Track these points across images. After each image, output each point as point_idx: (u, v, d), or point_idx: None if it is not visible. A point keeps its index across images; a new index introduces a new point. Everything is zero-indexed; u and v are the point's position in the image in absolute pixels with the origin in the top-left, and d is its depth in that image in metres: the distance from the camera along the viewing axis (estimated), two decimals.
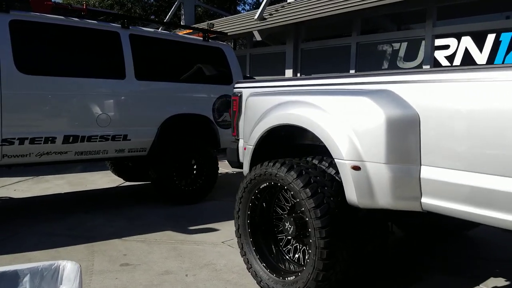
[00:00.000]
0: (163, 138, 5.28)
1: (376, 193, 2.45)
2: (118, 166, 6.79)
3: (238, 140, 3.85)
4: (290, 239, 3.08)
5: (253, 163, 3.33)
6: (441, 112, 2.23)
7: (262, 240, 3.22)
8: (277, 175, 2.80)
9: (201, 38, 5.75)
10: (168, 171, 5.35)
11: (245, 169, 3.40)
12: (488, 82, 2.08)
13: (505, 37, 7.36)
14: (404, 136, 2.35)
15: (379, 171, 2.41)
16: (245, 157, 3.38)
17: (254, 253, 3.16)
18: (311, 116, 2.71)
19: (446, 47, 7.48)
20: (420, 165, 2.34)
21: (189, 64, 5.65)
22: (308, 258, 2.69)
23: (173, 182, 5.42)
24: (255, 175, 3.02)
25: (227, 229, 4.48)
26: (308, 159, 3.02)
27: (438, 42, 7.29)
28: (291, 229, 2.90)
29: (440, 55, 7.40)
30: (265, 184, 3.02)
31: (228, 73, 5.92)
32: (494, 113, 2.04)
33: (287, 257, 3.15)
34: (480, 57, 7.32)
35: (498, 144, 2.02)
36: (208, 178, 5.71)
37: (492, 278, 3.34)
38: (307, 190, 2.62)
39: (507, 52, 7.40)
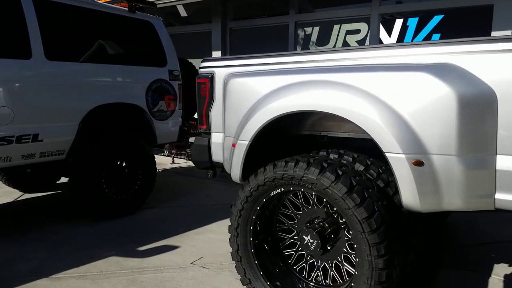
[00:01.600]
0: (85, 135, 4.18)
1: (444, 193, 2.00)
2: (12, 174, 5.37)
3: (210, 134, 3.09)
4: (303, 254, 2.51)
5: (246, 163, 2.64)
6: None
7: (269, 262, 2.58)
8: (304, 178, 2.18)
9: (127, 9, 4.70)
10: (94, 177, 4.28)
11: (236, 172, 2.68)
12: None
13: (411, 22, 7.68)
14: (480, 119, 1.93)
15: (449, 165, 1.96)
16: (235, 156, 2.67)
17: (262, 279, 2.51)
18: (349, 100, 2.13)
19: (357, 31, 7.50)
20: (496, 154, 1.95)
21: (115, 41, 4.57)
22: (354, 280, 2.14)
23: (102, 190, 4.37)
24: (266, 179, 2.35)
25: (189, 245, 3.71)
26: (332, 155, 2.46)
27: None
28: (314, 244, 2.32)
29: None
30: (278, 191, 2.37)
31: (161, 52, 4.97)
32: None
33: (301, 276, 2.57)
34: (389, 41, 7.47)
35: None
36: (145, 182, 4.77)
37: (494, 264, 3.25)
38: (354, 196, 2.06)
39: (414, 37, 7.74)
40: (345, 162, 2.34)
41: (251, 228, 2.52)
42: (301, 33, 7.05)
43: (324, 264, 2.49)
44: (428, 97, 1.96)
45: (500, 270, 3.15)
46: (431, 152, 1.98)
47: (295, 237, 2.59)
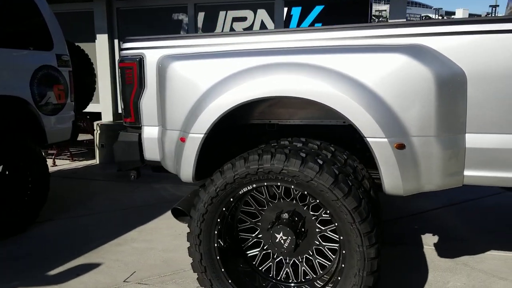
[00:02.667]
0: None
1: (423, 175, 2.03)
2: None
3: (140, 128, 2.67)
4: (269, 253, 2.35)
5: (201, 160, 2.33)
6: (491, 69, 1.96)
7: (234, 267, 2.34)
8: (284, 171, 1.99)
9: None
10: None
11: (187, 170, 2.35)
12: None
13: (295, 11, 8.04)
14: (454, 99, 1.99)
15: (428, 147, 1.99)
16: (185, 152, 2.33)
17: (231, 286, 2.26)
18: (328, 85, 1.99)
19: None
20: (465, 133, 2.05)
21: None
22: (340, 274, 2.05)
23: None
24: (237, 176, 2.08)
25: (112, 260, 3.21)
26: (296, 144, 2.30)
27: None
28: (288, 240, 2.17)
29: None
30: (248, 188, 2.14)
31: (45, 33, 4.15)
32: None
33: (268, 277, 2.40)
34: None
35: None
36: (36, 190, 3.97)
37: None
38: (342, 186, 1.95)
39: (298, 25, 8.12)
40: (316, 151, 2.21)
41: (216, 232, 2.23)
42: (201, 16, 6.69)
43: (294, 260, 2.36)
44: (408, 79, 1.95)
45: (428, 240, 3.45)
46: (411, 134, 1.98)
47: (259, 236, 2.40)
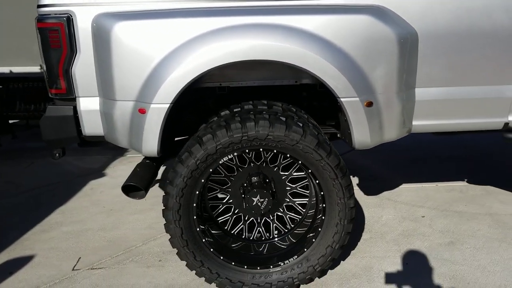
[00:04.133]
0: None
1: (385, 128, 2.27)
2: None
3: (74, 99, 2.35)
4: (241, 217, 2.41)
5: (166, 132, 2.20)
6: (438, 29, 2.22)
7: (210, 235, 2.34)
8: (270, 137, 2.01)
9: None
10: None
11: (151, 143, 2.19)
12: None
13: None
14: (410, 58, 2.22)
15: (391, 103, 2.22)
16: (147, 124, 2.15)
17: (215, 256, 2.27)
18: (302, 47, 2.02)
19: None
20: (415, 87, 2.33)
21: None
22: (323, 225, 2.21)
23: None
24: (219, 147, 2.03)
25: (45, 249, 2.90)
26: (260, 107, 2.31)
27: None
28: (265, 202, 2.26)
29: None
30: (229, 157, 2.10)
31: None
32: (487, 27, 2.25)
33: (240, 238, 2.47)
34: None
35: (493, 56, 2.29)
36: None
37: None
38: (324, 146, 2.07)
39: None
40: (288, 113, 2.25)
41: (194, 205, 2.17)
42: None
43: (265, 219, 2.46)
44: (374, 39, 2.09)
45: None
46: (378, 92, 2.16)
47: (229, 201, 2.41)
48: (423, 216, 3.12)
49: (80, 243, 2.94)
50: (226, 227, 2.44)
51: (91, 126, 2.38)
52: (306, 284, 2.33)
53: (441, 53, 2.25)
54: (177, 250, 2.24)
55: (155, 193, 3.61)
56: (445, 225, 2.98)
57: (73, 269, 2.63)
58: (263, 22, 2.03)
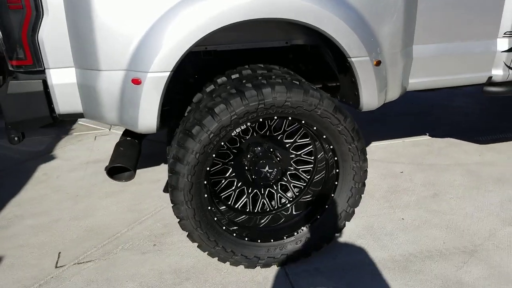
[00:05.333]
0: None
1: (389, 88, 2.25)
2: None
3: (43, 72, 2.00)
4: (244, 190, 2.28)
5: (165, 104, 1.96)
6: None
7: (220, 213, 2.20)
8: (287, 103, 1.88)
9: None
10: None
11: (149, 118, 1.94)
12: None
13: None
14: (411, 15, 2.19)
15: (396, 61, 2.19)
16: (144, 97, 1.89)
17: (228, 234, 2.13)
18: (316, 3, 1.88)
19: None
20: (413, 45, 2.32)
21: None
22: (336, 191, 2.17)
23: None
24: (234, 117, 1.85)
25: (15, 247, 2.53)
26: (260, 72, 2.14)
27: None
28: (273, 172, 2.15)
29: None
30: (242, 128, 1.94)
31: None
32: None
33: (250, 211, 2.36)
34: None
35: (479, 12, 2.34)
36: None
37: None
38: (342, 110, 1.99)
39: None
40: (290, 76, 2.12)
41: (205, 183, 1.99)
42: None
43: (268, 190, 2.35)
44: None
45: None
46: (385, 50, 2.11)
47: (232, 175, 2.26)
48: (402, 172, 3.24)
49: (54, 237, 2.61)
50: (229, 202, 2.29)
51: (67, 102, 2.06)
52: (318, 250, 2.30)
53: (436, 8, 2.25)
54: (187, 233, 2.06)
55: None
56: (424, 178, 3.12)
57: (56, 266, 2.33)
58: None
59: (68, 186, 3.26)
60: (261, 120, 1.94)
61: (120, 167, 2.26)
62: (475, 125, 4.17)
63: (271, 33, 2.27)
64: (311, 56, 2.53)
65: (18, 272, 2.29)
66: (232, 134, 1.93)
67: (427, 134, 3.96)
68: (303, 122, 1.99)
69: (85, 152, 3.88)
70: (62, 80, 1.99)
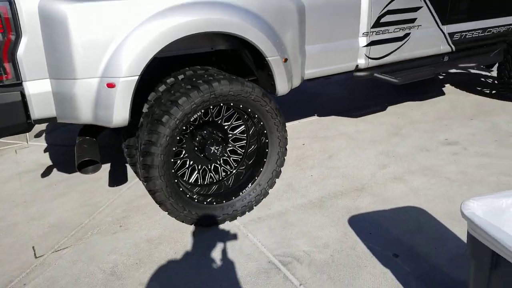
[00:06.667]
0: None
1: (294, 77, 3.08)
2: None
3: (19, 85, 2.36)
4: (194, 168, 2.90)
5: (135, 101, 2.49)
6: (316, 1, 3.10)
7: (182, 185, 2.78)
8: (231, 92, 2.56)
9: None
10: None
11: (122, 114, 2.43)
12: None
13: None
14: (303, 23, 3.03)
15: (296, 57, 3.03)
16: (118, 97, 2.38)
17: (191, 199, 2.73)
18: (240, 18, 2.59)
19: None
20: (305, 45, 3.19)
21: None
22: (267, 156, 2.91)
23: None
24: (193, 105, 2.45)
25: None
26: (200, 72, 2.79)
27: None
28: (219, 149, 2.82)
29: None
30: (197, 114, 2.56)
31: None
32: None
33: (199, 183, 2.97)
34: None
35: (345, 19, 3.32)
36: None
37: None
38: (267, 94, 2.74)
39: None
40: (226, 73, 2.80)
41: (172, 160, 2.56)
42: None
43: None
44: (284, 11, 2.82)
45: None
46: (289, 50, 2.92)
47: (185, 155, 2.85)
48: (303, 144, 4.15)
49: (20, 237, 2.86)
50: (185, 178, 2.88)
51: (42, 109, 2.43)
52: (257, 204, 3.02)
53: (318, 18, 3.15)
54: (160, 203, 2.59)
55: (59, 177, 3.61)
56: (320, 146, 4.08)
57: (36, 257, 2.64)
58: (215, 0, 2.50)
59: (11, 195, 3.42)
60: (211, 107, 2.58)
61: (86, 161, 2.67)
62: (348, 105, 5.35)
63: (200, 41, 2.90)
64: (230, 58, 3.24)
65: (0, 268, 2.54)
66: (191, 119, 2.53)
67: (316, 114, 4.99)
68: (241, 106, 2.69)
69: (12, 165, 3.98)
70: (38, 90, 2.36)
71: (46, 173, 3.73)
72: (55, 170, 3.78)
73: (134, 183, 3.48)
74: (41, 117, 2.44)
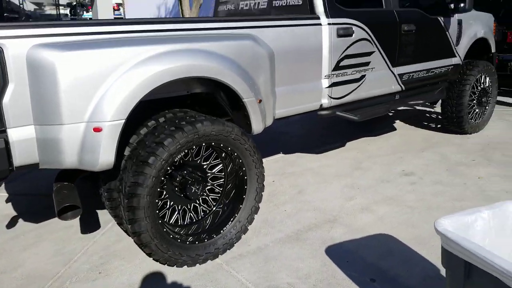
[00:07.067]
0: None
1: (267, 117, 3.28)
2: None
3: (4, 131, 2.39)
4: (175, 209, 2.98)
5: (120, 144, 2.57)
6: (284, 48, 3.40)
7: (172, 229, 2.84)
8: (213, 132, 2.72)
9: None
10: None
11: (107, 158, 2.49)
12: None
13: None
14: (273, 68, 3.30)
15: (269, 99, 3.26)
16: (104, 141, 2.45)
17: (174, 240, 2.78)
18: (219, 65, 2.79)
19: None
20: (276, 87, 3.44)
21: None
22: (246, 192, 3.04)
23: None
24: (179, 146, 2.57)
25: None
26: (182, 114, 2.94)
27: None
28: (199, 188, 2.92)
29: None
30: (181, 154, 2.67)
31: None
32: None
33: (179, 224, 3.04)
34: None
35: (309, 64, 3.64)
36: None
37: None
38: (246, 133, 2.92)
39: None
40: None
41: (157, 201, 2.62)
42: None
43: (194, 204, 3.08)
44: (256, 58, 3.07)
45: None
46: (260, 93, 3.15)
47: (166, 196, 2.92)
48: (273, 181, 4.33)
49: None
50: (165, 220, 2.93)
51: (25, 155, 2.44)
52: (238, 241, 3.11)
53: (285, 63, 3.44)
54: (144, 245, 2.62)
55: (27, 227, 3.51)
56: (289, 182, 4.28)
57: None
58: (196, 48, 2.70)
59: None
60: (194, 147, 2.71)
61: (66, 206, 2.67)
62: (309, 142, 5.66)
63: (178, 85, 3.06)
64: (204, 100, 3.41)
65: None
66: (175, 160, 2.64)
67: (281, 152, 5.22)
68: (221, 145, 2.84)
69: None
70: (21, 137, 2.38)
71: (12, 224, 3.60)
72: (21, 220, 3.66)
73: (108, 228, 3.46)
74: (23, 164, 2.44)
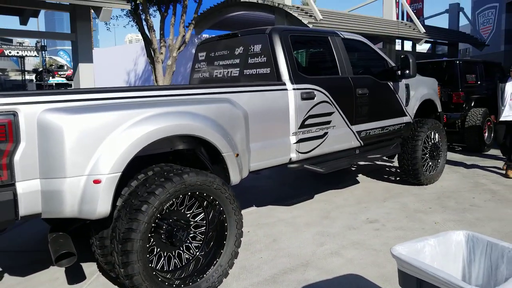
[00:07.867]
0: None
1: (243, 169, 3.74)
2: None
3: (12, 185, 2.72)
4: (162, 254, 3.27)
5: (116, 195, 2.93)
6: (256, 109, 3.95)
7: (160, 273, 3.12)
8: (198, 182, 3.11)
9: None
10: None
11: (104, 207, 2.83)
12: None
13: None
14: (247, 127, 3.81)
15: (245, 153, 3.74)
16: (103, 192, 2.81)
17: (163, 282, 3.05)
18: (202, 124, 3.27)
19: None
20: (250, 143, 3.94)
21: None
22: (227, 238, 3.38)
23: None
24: (168, 195, 2.94)
25: None
26: (166, 167, 3.33)
27: None
28: (184, 235, 3.26)
29: None
30: (170, 202, 3.04)
31: None
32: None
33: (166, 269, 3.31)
34: None
35: (278, 123, 4.19)
36: None
37: None
38: (225, 183, 3.34)
39: None
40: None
41: (147, 245, 2.94)
42: None
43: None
44: (233, 118, 3.58)
45: None
46: (239, 148, 3.63)
47: (153, 243, 3.23)
48: (248, 231, 4.68)
49: None
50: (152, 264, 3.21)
51: (30, 206, 2.75)
52: (220, 284, 3.40)
53: (258, 122, 3.97)
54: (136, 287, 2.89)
55: (13, 281, 3.65)
56: (264, 232, 4.63)
57: None
58: (183, 110, 3.17)
59: None
60: (181, 196, 3.09)
61: (62, 254, 2.93)
62: (279, 195, 6.10)
63: (163, 143, 3.49)
64: (185, 156, 3.84)
65: None
66: (164, 207, 3.00)
67: (254, 205, 5.61)
68: (204, 194, 3.24)
69: None
70: (28, 189, 2.70)
71: None
72: (6, 275, 3.79)
73: (94, 279, 3.65)
74: (28, 214, 2.74)
